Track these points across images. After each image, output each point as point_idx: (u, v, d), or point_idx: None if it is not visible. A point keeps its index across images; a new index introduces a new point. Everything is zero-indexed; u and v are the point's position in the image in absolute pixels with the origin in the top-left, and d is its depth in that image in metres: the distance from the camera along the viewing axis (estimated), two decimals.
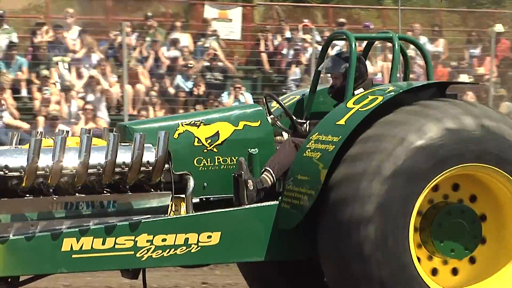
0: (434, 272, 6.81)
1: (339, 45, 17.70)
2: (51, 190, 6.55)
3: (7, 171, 6.47)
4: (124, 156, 6.66)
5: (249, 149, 7.13)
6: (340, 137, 6.49)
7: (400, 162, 6.33)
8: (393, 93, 6.85)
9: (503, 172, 6.60)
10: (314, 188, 6.46)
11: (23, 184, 6.44)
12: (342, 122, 6.65)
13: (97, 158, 6.60)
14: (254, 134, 7.24)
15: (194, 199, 7.04)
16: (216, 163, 7.12)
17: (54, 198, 6.60)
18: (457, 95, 7.43)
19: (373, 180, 6.24)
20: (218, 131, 7.19)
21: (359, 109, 6.68)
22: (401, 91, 6.96)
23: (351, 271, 6.31)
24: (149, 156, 6.75)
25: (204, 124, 7.24)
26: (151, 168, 6.74)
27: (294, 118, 7.73)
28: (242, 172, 6.80)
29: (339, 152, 6.43)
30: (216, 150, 7.11)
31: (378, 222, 6.26)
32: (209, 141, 7.15)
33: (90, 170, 6.53)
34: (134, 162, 6.59)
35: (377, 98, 6.78)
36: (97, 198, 6.77)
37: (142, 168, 6.69)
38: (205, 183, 7.05)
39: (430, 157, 6.40)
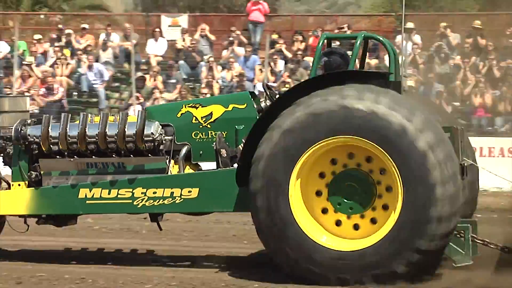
0: (338, 223, 8.43)
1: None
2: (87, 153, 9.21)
3: (51, 139, 9.16)
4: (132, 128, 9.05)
5: (236, 126, 9.18)
6: (255, 125, 8.61)
7: (279, 139, 8.29)
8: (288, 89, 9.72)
9: (377, 146, 8.10)
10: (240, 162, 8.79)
11: (61, 147, 9.14)
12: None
13: (113, 130, 9.02)
14: (240, 114, 9.25)
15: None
16: (209, 136, 9.19)
17: (76, 159, 9.24)
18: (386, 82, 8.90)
19: (260, 161, 8.27)
20: (211, 112, 9.27)
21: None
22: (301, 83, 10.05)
23: (257, 218, 8.48)
24: (151, 128, 9.06)
25: (201, 106, 9.39)
26: (152, 137, 9.06)
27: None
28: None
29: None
30: (209, 126, 9.21)
31: (266, 191, 8.31)
32: (204, 119, 9.26)
33: (108, 139, 9.02)
34: (138, 131, 8.91)
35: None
36: (109, 160, 9.26)
37: (145, 138, 9.02)
38: (201, 151, 9.22)
39: (296, 137, 8.28)
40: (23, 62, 23.46)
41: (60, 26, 24.95)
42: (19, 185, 9.72)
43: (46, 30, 25.63)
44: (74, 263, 9.75)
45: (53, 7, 31.59)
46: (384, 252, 8.19)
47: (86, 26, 25.25)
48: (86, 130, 9.13)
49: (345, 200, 8.51)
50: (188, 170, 9.38)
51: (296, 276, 8.53)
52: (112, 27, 25.28)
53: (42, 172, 9.58)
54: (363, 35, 10.03)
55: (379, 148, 8.14)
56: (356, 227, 8.49)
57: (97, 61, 23.64)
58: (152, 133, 9.15)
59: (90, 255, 10.45)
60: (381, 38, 10.60)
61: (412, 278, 8.15)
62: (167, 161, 9.32)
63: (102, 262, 9.79)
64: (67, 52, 23.97)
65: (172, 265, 9.68)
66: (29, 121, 9.74)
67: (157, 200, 9.08)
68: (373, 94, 8.37)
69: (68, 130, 9.24)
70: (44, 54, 24.07)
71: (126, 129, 9.05)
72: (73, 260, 9.86)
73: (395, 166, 8.16)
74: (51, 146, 9.34)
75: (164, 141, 9.32)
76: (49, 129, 9.37)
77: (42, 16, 28.96)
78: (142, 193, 9.06)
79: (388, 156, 8.15)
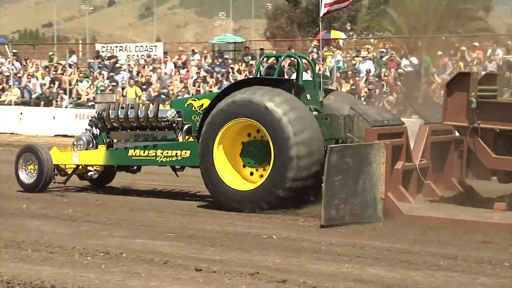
0: (252, 174, 12.15)
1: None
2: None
3: (113, 120, 13.72)
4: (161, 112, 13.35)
5: None
6: (208, 106, 12.65)
7: (210, 119, 12.04)
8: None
9: (260, 125, 11.68)
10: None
11: (117, 125, 13.71)
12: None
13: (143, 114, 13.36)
14: None
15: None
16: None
17: (130, 132, 13.74)
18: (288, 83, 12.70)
19: (203, 129, 12.18)
20: (202, 103, 13.11)
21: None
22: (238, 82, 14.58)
23: (200, 164, 12.29)
24: (166, 113, 13.22)
25: (198, 100, 13.49)
26: (167, 119, 13.15)
27: None
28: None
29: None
30: (201, 112, 12.86)
31: (203, 148, 12.07)
32: (198, 108, 13.12)
33: (140, 120, 13.39)
34: (154, 116, 13.21)
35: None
36: (144, 132, 13.61)
37: (160, 119, 13.21)
38: (197, 128, 12.68)
39: (222, 115, 11.93)
40: (428, 72, 26.64)
41: (456, 44, 27.87)
42: (101, 147, 13.93)
43: (446, 48, 28.24)
44: None
45: (452, 31, 35.96)
46: (268, 187, 11.49)
47: (476, 44, 28.28)
48: (129, 114, 13.37)
49: (250, 159, 12.17)
50: (190, 140, 13.02)
51: (217, 203, 12.10)
52: (497, 44, 27.95)
53: (113, 140, 13.93)
54: (286, 54, 15.51)
55: (258, 123, 11.66)
56: (261, 176, 11.86)
57: (484, 70, 25.16)
58: (166, 116, 13.15)
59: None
60: (297, 56, 14.10)
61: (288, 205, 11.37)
62: (178, 133, 13.15)
63: None
64: (461, 64, 26.32)
65: None
66: (111, 106, 13.90)
67: (169, 157, 12.95)
68: (263, 92, 11.76)
69: (119, 114, 13.50)
70: (444, 66, 26.65)
71: (149, 114, 13.19)
72: None
73: (266, 132, 11.54)
74: (113, 124, 13.69)
75: (176, 121, 13.15)
76: (107, 113, 13.65)
77: (443, 38, 32.73)
78: (161, 153, 12.99)
79: (263, 127, 11.59)
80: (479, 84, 11.25)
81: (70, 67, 33.53)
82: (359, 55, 29.53)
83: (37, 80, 33.24)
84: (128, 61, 32.74)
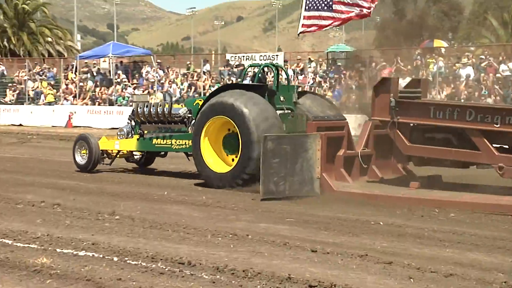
0: (233, 160, 12.84)
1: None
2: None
3: (140, 115, 14.86)
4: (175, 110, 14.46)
5: None
6: (200, 106, 13.63)
7: (198, 116, 13.27)
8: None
9: (230, 120, 12.66)
10: None
11: (144, 119, 14.88)
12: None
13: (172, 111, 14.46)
14: None
15: None
16: None
17: (155, 125, 14.87)
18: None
19: (195, 124, 13.44)
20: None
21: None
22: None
23: (194, 157, 13.45)
24: (178, 110, 14.28)
25: (202, 100, 13.92)
26: (179, 115, 14.22)
27: None
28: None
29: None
30: None
31: (194, 139, 13.21)
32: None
33: (159, 115, 14.53)
34: (168, 112, 14.38)
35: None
36: (165, 126, 14.64)
37: (174, 115, 14.33)
38: None
39: (206, 113, 13.07)
40: None
41: None
42: (136, 136, 15.09)
43: None
44: None
45: None
46: (239, 169, 12.49)
47: None
48: (152, 111, 14.60)
49: (229, 148, 13.10)
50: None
51: (204, 182, 13.15)
52: None
53: (144, 131, 15.10)
54: (264, 64, 15.92)
55: (229, 119, 12.67)
56: (233, 160, 12.90)
57: None
58: (179, 113, 14.27)
59: None
60: (272, 65, 15.40)
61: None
62: (188, 127, 14.07)
63: None
64: None
65: None
66: (141, 105, 15.10)
67: (181, 146, 14.02)
68: (239, 97, 12.82)
69: (145, 111, 14.73)
70: None
71: (165, 111, 14.39)
72: None
73: (235, 124, 12.59)
74: (142, 119, 14.95)
75: (187, 117, 14.10)
76: (138, 110, 14.91)
77: None
78: (175, 142, 14.16)
79: (232, 121, 12.63)
80: (407, 87, 13.13)
81: (204, 74, 34.22)
82: (460, 62, 28.82)
83: (177, 85, 34.00)
84: (254, 69, 33.18)
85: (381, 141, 12.58)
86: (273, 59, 34.21)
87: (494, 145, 11.14)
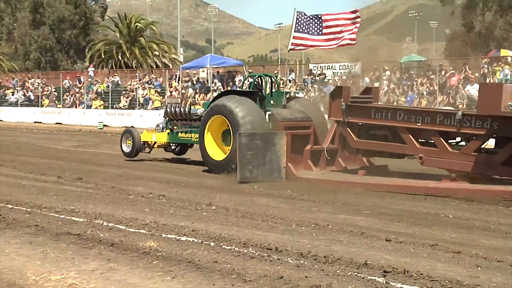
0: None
1: None
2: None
3: (174, 114, 16.37)
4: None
5: None
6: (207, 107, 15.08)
7: (203, 116, 14.75)
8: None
9: (224, 118, 13.98)
10: None
11: (176, 117, 16.40)
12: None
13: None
14: None
15: None
16: None
17: (180, 122, 16.40)
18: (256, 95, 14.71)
19: (201, 122, 14.80)
20: None
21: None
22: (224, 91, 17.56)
23: (200, 147, 14.73)
24: (196, 111, 16.10)
25: None
26: (196, 114, 15.83)
27: None
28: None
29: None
30: None
31: (200, 133, 14.66)
32: None
33: (181, 114, 16.22)
34: (188, 112, 16.10)
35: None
36: (187, 123, 16.16)
37: (193, 115, 15.98)
38: None
39: (208, 113, 14.48)
40: None
41: None
42: (167, 131, 16.58)
43: None
44: None
45: None
46: (230, 158, 13.64)
47: None
48: (177, 111, 16.14)
49: (226, 141, 14.21)
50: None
51: (207, 167, 14.40)
52: None
53: (173, 127, 16.52)
54: (258, 74, 16.39)
55: (224, 117, 13.94)
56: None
57: None
58: (196, 113, 15.88)
59: None
60: (265, 75, 16.08)
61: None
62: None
63: None
64: None
65: None
66: (170, 105, 16.63)
67: (197, 138, 14.91)
68: (232, 99, 14.08)
69: (172, 111, 16.27)
70: None
71: (186, 111, 16.01)
72: None
73: (227, 120, 13.85)
74: (171, 116, 16.47)
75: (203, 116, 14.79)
76: (168, 110, 16.52)
77: None
78: (193, 135, 15.47)
79: (226, 118, 13.89)
80: (361, 94, 14.15)
81: (290, 82, 34.19)
82: None
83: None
84: (334, 77, 33.15)
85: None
86: (351, 68, 34.00)
87: (419, 140, 12.32)
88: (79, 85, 43.53)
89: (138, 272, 5.88)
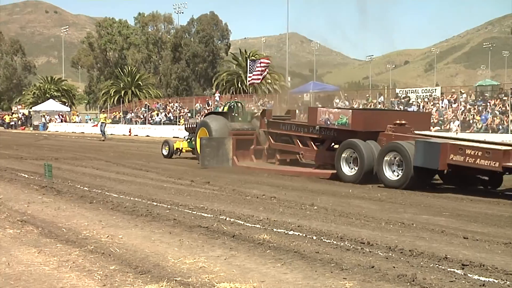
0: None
1: None
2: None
3: (188, 128, 20.38)
4: None
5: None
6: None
7: (196, 128, 18.43)
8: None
9: (205, 129, 17.50)
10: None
11: (190, 130, 20.00)
12: None
13: None
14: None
15: None
16: None
17: (193, 133, 19.50)
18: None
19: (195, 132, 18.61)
20: None
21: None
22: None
23: (192, 150, 19.38)
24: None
25: None
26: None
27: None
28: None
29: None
30: None
31: (193, 141, 18.58)
32: None
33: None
34: (194, 126, 19.65)
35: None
36: (194, 134, 18.56)
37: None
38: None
39: (198, 126, 18.23)
40: None
41: None
42: (188, 140, 19.57)
43: None
44: None
45: None
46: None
47: None
48: (189, 125, 19.98)
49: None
50: None
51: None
52: None
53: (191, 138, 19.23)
54: (233, 102, 19.36)
55: (205, 129, 17.26)
56: None
57: None
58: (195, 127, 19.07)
59: None
60: (236, 102, 19.11)
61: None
62: None
63: None
64: None
65: None
66: (187, 122, 20.64)
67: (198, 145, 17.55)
68: (211, 117, 17.79)
69: (187, 125, 19.89)
70: None
71: (192, 125, 19.33)
72: None
73: (206, 130, 17.18)
74: (187, 130, 20.11)
75: None
76: (186, 125, 19.74)
77: None
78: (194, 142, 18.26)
79: (205, 129, 17.21)
80: (285, 113, 17.69)
81: (379, 104, 33.70)
82: None
83: None
84: (417, 99, 32.39)
85: (282, 141, 16.46)
86: (432, 92, 33.04)
87: (302, 142, 15.36)
88: (208, 107, 44.74)
89: (254, 259, 5.92)
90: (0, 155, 20.35)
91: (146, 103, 53.69)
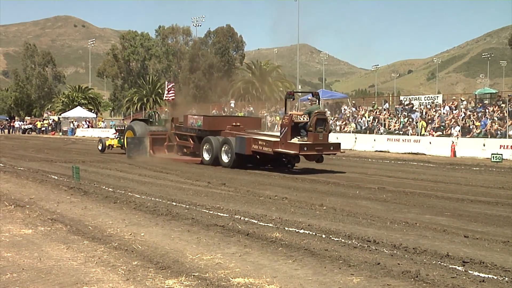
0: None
1: None
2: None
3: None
4: None
5: None
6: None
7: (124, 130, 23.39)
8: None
9: (132, 131, 22.16)
10: None
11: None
12: None
13: None
14: None
15: None
16: None
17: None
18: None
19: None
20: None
21: None
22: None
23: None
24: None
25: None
26: None
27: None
28: None
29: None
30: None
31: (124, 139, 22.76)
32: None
33: None
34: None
35: None
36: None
37: None
38: None
39: (126, 128, 23.29)
40: None
41: None
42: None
43: None
44: None
45: None
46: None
47: None
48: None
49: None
50: None
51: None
52: None
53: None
54: (153, 111, 26.33)
55: (131, 131, 21.61)
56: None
57: None
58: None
59: None
60: (155, 112, 24.79)
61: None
62: None
63: None
64: None
65: None
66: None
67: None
68: (135, 123, 22.52)
69: (119, 127, 24.31)
70: None
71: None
72: None
73: (132, 133, 21.43)
74: (118, 130, 24.66)
75: None
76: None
77: None
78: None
79: (132, 132, 21.42)
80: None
81: (384, 110, 33.49)
82: None
83: (366, 118, 33.33)
84: (420, 106, 32.27)
85: (190, 140, 19.58)
86: (434, 99, 32.82)
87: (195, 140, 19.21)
88: (223, 114, 44.81)
89: (267, 256, 5.91)
90: (32, 158, 20.56)
91: (166, 109, 53.90)
